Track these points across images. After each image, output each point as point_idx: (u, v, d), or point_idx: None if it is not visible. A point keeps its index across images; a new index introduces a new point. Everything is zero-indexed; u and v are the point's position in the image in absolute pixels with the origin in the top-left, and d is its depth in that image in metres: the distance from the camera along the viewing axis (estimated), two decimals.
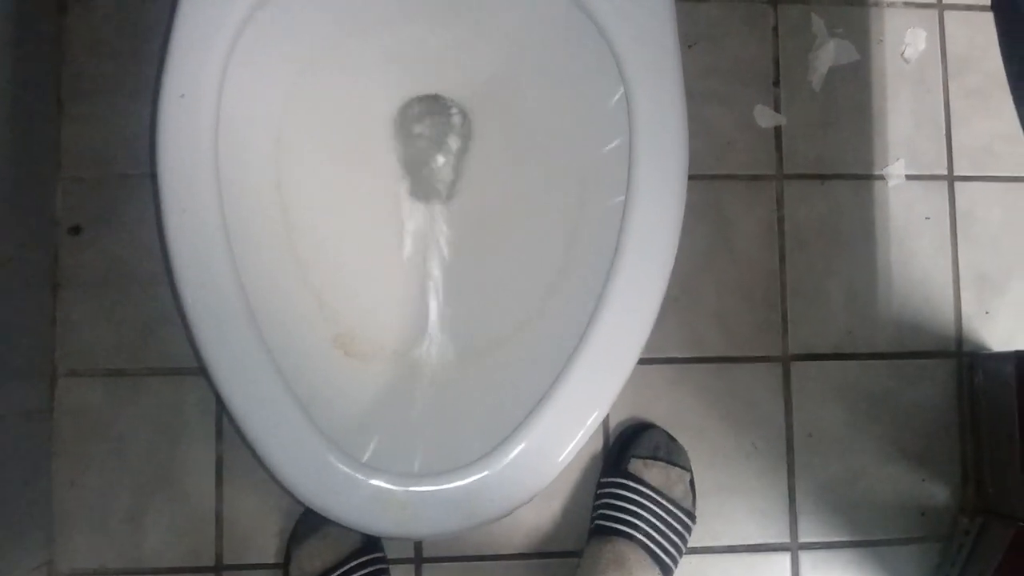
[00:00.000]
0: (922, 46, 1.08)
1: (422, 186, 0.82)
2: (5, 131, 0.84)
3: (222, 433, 0.96)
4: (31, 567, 0.89)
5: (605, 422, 1.00)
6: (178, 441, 0.95)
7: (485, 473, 0.67)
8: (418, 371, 0.77)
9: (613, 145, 0.78)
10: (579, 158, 0.80)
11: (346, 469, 0.66)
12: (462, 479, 0.67)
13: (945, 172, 1.07)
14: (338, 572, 0.89)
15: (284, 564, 0.93)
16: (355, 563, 0.90)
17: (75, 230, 0.96)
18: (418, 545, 0.96)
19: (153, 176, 0.68)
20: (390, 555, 0.94)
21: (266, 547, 0.95)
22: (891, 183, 1.06)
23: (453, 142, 0.83)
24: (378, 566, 0.92)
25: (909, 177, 1.06)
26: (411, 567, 0.96)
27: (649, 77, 0.74)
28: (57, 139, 0.97)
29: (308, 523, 0.92)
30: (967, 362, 1.04)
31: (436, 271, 0.80)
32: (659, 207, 0.72)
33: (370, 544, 0.92)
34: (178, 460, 0.95)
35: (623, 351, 0.71)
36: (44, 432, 0.93)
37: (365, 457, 0.70)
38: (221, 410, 0.95)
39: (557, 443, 0.69)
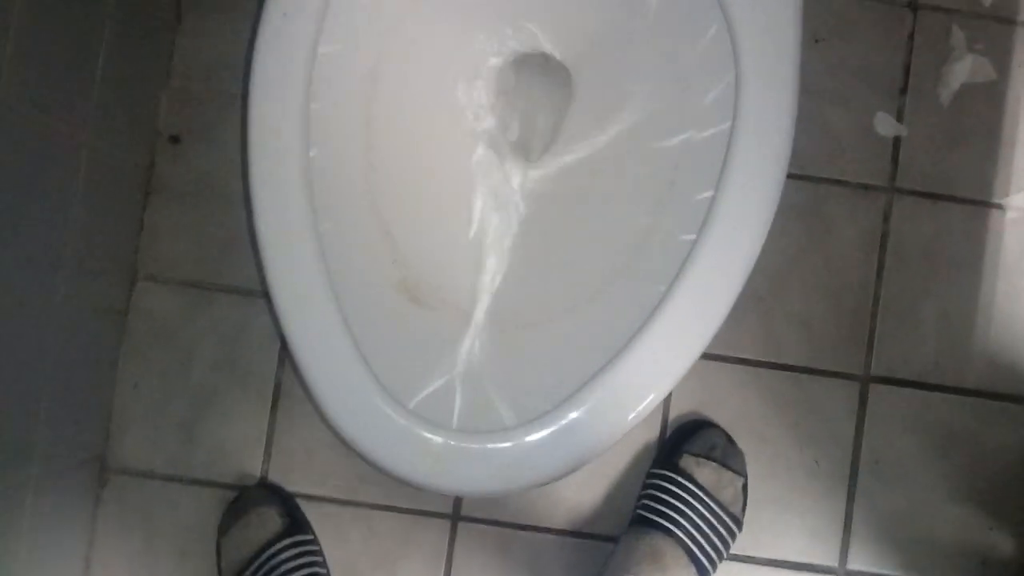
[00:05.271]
0: None
1: (513, 144, 0.80)
2: (123, 35, 0.85)
3: (284, 360, 0.96)
4: (82, 458, 0.92)
5: (664, 413, 0.97)
6: (241, 360, 0.96)
7: (528, 439, 0.66)
8: (476, 328, 0.76)
9: (714, 131, 0.75)
10: (676, 139, 0.77)
11: (390, 412, 0.66)
12: (504, 441, 0.66)
13: None
14: (264, 556, 0.88)
15: (217, 561, 0.92)
16: (280, 545, 0.89)
17: (175, 140, 0.98)
18: (457, 502, 0.96)
19: (245, 93, 0.68)
20: (429, 508, 0.94)
21: (310, 478, 0.96)
22: (1009, 214, 1.00)
23: (553, 104, 0.81)
24: (307, 547, 0.90)
25: None
26: (447, 523, 0.96)
27: (763, 64, 0.71)
28: (171, 50, 0.98)
29: (231, 514, 0.92)
30: None
31: (510, 231, 0.79)
32: (751, 197, 0.70)
33: (294, 526, 0.91)
34: (238, 378, 0.96)
35: (690, 338, 0.69)
36: (116, 331, 0.95)
37: (412, 405, 0.70)
38: None
39: (605, 423, 0.68)
